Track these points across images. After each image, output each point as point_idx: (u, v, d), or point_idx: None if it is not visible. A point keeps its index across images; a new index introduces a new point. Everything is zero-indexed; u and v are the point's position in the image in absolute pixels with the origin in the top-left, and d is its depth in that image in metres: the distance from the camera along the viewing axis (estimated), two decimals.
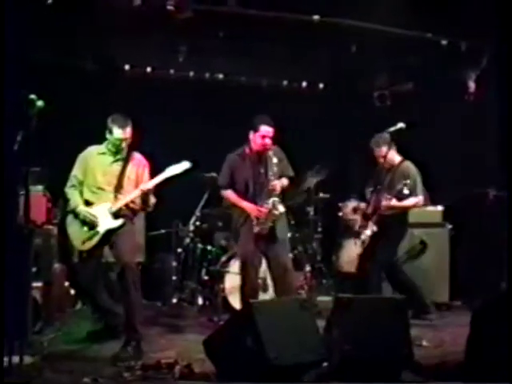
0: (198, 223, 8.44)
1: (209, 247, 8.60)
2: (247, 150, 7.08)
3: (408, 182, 7.15)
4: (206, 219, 8.68)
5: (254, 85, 10.56)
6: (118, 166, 6.33)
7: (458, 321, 7.29)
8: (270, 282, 7.49)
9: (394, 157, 7.64)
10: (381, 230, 7.48)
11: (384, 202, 7.34)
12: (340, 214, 9.87)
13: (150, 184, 6.18)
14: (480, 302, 6.08)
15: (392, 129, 7.36)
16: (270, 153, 6.89)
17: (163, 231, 8.73)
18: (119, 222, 6.19)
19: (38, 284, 6.68)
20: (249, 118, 9.89)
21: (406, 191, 7.14)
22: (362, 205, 9.52)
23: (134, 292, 6.13)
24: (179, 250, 8.55)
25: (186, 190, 8.59)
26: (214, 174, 8.17)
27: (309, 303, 5.67)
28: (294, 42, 8.98)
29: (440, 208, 8.67)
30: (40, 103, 5.20)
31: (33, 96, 5.20)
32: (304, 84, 11.06)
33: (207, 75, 10.38)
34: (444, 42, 8.83)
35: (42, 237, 7.14)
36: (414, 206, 7.55)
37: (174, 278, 8.48)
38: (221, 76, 10.44)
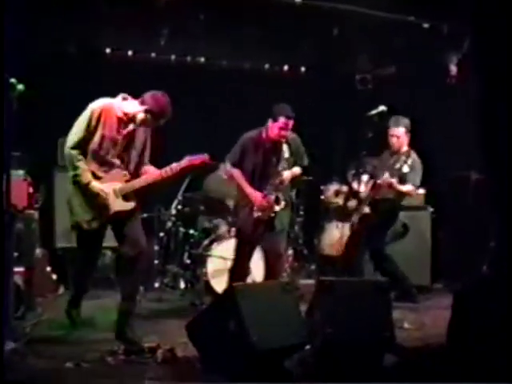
0: (179, 207, 8.42)
1: (191, 231, 8.58)
2: (263, 135, 6.94)
3: (409, 161, 7.20)
4: (188, 203, 8.65)
5: (236, 68, 10.55)
6: (125, 135, 5.93)
7: (440, 303, 7.35)
8: (251, 265, 7.51)
9: (405, 143, 7.70)
10: (372, 215, 7.54)
11: (385, 177, 7.36)
12: (322, 196, 9.91)
13: (170, 172, 5.96)
14: (461, 284, 6.13)
15: (373, 112, 7.40)
16: (285, 146, 6.80)
17: (145, 215, 8.67)
18: (131, 204, 5.92)
19: (20, 269, 6.65)
20: (230, 101, 9.90)
21: (405, 169, 7.20)
22: (344, 188, 9.59)
23: (139, 278, 6.18)
24: (161, 234, 8.54)
25: None
26: None
27: (291, 286, 5.68)
28: (276, 25, 8.95)
29: (422, 191, 8.69)
30: (20, 87, 5.16)
31: (13, 80, 5.15)
32: (285, 67, 11.05)
33: (189, 58, 10.36)
34: (426, 26, 8.83)
35: (24, 222, 7.10)
36: (410, 193, 7.61)
37: (156, 262, 8.47)
38: (202, 59, 10.42)
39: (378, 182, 7.47)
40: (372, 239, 7.69)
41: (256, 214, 6.85)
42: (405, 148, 7.70)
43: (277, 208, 6.79)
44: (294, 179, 7.06)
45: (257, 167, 6.96)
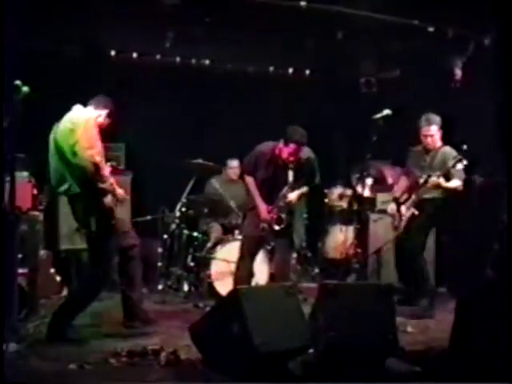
0: (183, 209, 8.42)
1: (195, 233, 8.59)
2: (276, 151, 6.96)
3: (465, 161, 7.18)
4: (192, 205, 8.66)
5: (241, 71, 10.55)
6: None
7: (443, 307, 7.32)
8: (255, 268, 7.52)
9: (438, 140, 7.69)
10: (420, 216, 7.52)
11: (432, 180, 7.33)
12: (326, 200, 9.90)
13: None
14: (465, 288, 6.12)
15: (378, 115, 7.36)
16: (290, 172, 6.81)
17: (149, 217, 8.71)
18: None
19: (24, 270, 6.65)
20: (235, 103, 9.89)
21: (459, 166, 7.19)
22: (348, 191, 9.59)
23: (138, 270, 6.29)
24: (165, 236, 8.55)
25: (172, 177, 8.58)
26: (199, 161, 8.19)
27: (294, 289, 5.68)
28: (281, 28, 8.94)
29: None
30: (25, 89, 5.17)
31: (18, 82, 5.16)
32: (290, 70, 11.05)
33: (193, 61, 10.36)
34: (431, 29, 8.82)
35: (28, 223, 7.09)
36: (456, 188, 7.52)
37: (159, 264, 8.48)
38: (207, 62, 10.42)
39: (421, 181, 7.45)
40: (415, 240, 7.65)
41: (261, 225, 6.93)
42: (439, 144, 7.69)
43: (276, 227, 6.84)
44: (301, 198, 7.13)
45: (267, 180, 7.02)
